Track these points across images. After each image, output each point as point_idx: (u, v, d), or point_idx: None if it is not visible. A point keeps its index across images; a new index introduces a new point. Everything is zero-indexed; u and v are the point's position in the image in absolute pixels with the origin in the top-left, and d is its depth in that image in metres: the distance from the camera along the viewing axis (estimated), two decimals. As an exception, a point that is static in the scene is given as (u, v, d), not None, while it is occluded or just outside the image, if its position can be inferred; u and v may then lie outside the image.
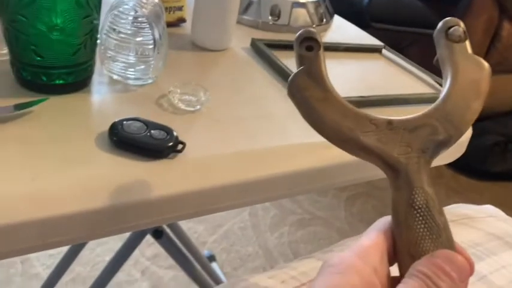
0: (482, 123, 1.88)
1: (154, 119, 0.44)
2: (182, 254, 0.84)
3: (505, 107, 2.00)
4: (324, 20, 0.78)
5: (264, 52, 0.63)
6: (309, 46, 0.30)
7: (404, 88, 0.64)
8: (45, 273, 1.22)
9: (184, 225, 1.42)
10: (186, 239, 0.97)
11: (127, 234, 0.91)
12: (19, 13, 0.42)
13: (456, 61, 0.31)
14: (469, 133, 0.60)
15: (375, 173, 0.54)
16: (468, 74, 0.31)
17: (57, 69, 0.45)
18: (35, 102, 0.43)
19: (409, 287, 0.24)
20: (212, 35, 0.63)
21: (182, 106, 0.49)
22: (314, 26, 0.76)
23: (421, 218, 0.27)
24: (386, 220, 0.28)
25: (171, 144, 0.42)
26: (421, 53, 1.91)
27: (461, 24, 0.32)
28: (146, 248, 1.35)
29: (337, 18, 0.84)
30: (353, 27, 0.85)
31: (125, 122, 0.42)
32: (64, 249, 1.20)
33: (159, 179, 0.40)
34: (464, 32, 0.32)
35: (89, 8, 0.44)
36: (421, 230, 0.26)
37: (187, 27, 0.67)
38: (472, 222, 0.52)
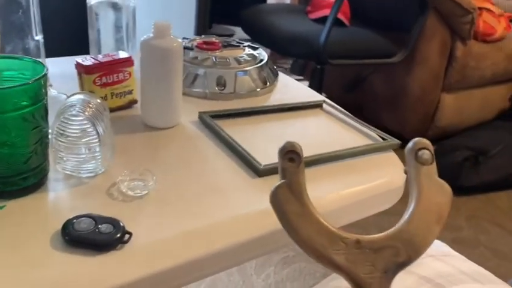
0: (450, 140, 1.94)
1: (105, 210, 0.49)
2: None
3: (470, 121, 2.07)
4: (268, 82, 0.84)
5: (209, 124, 0.69)
6: (291, 158, 0.34)
7: (343, 141, 0.70)
8: None
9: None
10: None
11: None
12: (-28, 134, 0.47)
13: (421, 183, 0.34)
14: (403, 178, 0.65)
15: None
16: (431, 198, 0.34)
17: (11, 177, 0.50)
18: (-7, 210, 0.48)
19: None
20: (160, 114, 0.69)
21: (131, 193, 0.54)
22: (258, 89, 0.82)
23: None
24: None
25: (118, 236, 0.46)
26: (384, 79, 1.99)
27: (430, 147, 0.34)
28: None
29: (281, 76, 0.91)
30: (296, 83, 0.91)
31: (75, 221, 0.47)
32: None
33: (110, 271, 0.45)
34: (432, 156, 0.34)
35: (36, 120, 0.49)
36: None
37: (138, 107, 0.73)
38: (409, 267, 0.56)
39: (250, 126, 0.72)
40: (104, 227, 0.47)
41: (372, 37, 1.78)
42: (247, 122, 0.73)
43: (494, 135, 1.99)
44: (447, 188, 0.35)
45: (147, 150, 0.65)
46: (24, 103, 0.48)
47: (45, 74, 0.49)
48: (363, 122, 0.75)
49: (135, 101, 0.74)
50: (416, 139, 0.35)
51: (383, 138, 0.71)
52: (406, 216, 0.34)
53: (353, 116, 0.77)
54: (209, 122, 0.69)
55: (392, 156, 0.69)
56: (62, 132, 0.53)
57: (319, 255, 0.32)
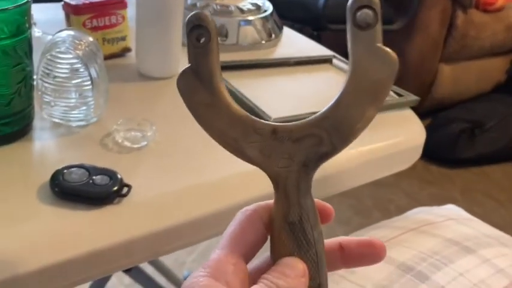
0: (446, 112, 1.91)
1: (99, 161, 0.43)
2: (154, 283, 0.83)
3: (467, 93, 2.04)
4: (273, 35, 0.78)
5: (212, 76, 0.62)
6: (200, 34, 0.27)
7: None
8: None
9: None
10: (160, 264, 0.96)
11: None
12: None
13: (358, 54, 0.27)
14: (422, 136, 0.61)
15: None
16: (368, 73, 0.27)
17: (-9, 121, 0.44)
18: (-30, 158, 0.42)
19: None
20: (157, 63, 0.62)
21: (127, 144, 0.48)
22: (263, 41, 0.76)
23: (292, 233, 0.27)
24: (239, 223, 0.28)
25: (115, 188, 0.41)
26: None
27: (375, 5, 0.26)
28: (124, 276, 1.33)
29: (286, 31, 0.84)
30: (303, 38, 0.85)
31: (65, 171, 0.41)
32: None
33: (105, 227, 0.39)
34: (376, 16, 0.26)
35: (18, 56, 0.43)
36: (291, 245, 0.27)
37: (132, 56, 0.66)
38: (432, 229, 0.52)
39: (255, 80, 0.66)
40: (99, 179, 0.41)
41: (372, 1, 1.71)
42: (252, 74, 0.67)
43: (490, 108, 1.96)
44: (391, 58, 0.26)
45: (144, 100, 0.58)
46: (4, 35, 0.41)
47: (28, 1, 0.42)
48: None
49: (128, 49, 0.67)
50: None
51: (399, 95, 0.66)
52: (336, 96, 0.27)
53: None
54: (211, 72, 0.63)
55: (409, 113, 0.64)
56: (48, 72, 0.46)
57: (233, 149, 0.28)
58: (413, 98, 0.65)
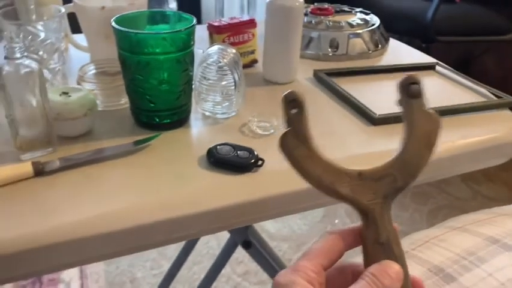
0: None
1: (239, 143, 0.57)
2: (270, 263, 0.95)
3: None
4: (380, 45, 0.87)
5: (324, 80, 0.74)
6: (294, 107, 0.36)
7: (458, 99, 0.71)
8: (151, 292, 1.38)
9: (270, 243, 1.54)
10: (272, 253, 1.08)
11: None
12: (137, 73, 0.57)
13: (413, 115, 0.37)
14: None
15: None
16: (421, 127, 0.37)
17: (165, 111, 0.60)
18: (151, 137, 0.58)
19: (361, 284, 0.32)
20: (280, 71, 0.76)
21: (259, 131, 0.61)
22: (370, 51, 0.85)
23: (383, 251, 0.35)
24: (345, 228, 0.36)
25: (253, 161, 0.54)
26: (496, 60, 1.89)
27: (419, 81, 0.37)
28: (237, 265, 1.48)
29: (392, 42, 0.93)
30: (408, 48, 0.93)
31: (218, 147, 0.55)
32: (165, 270, 1.36)
33: (246, 188, 0.52)
34: (421, 89, 0.37)
35: (186, 64, 0.58)
36: (383, 259, 0.35)
37: (259, 66, 0.80)
38: (476, 227, 0.53)
39: (363, 84, 0.76)
40: (242, 153, 0.54)
41: (484, 12, 1.70)
42: (360, 80, 0.77)
43: None
44: (435, 117, 0.36)
45: (270, 100, 0.72)
46: (178, 47, 0.57)
47: (194, 25, 0.58)
48: (479, 82, 0.75)
49: (255, 61, 0.81)
50: (407, 74, 0.37)
51: (498, 97, 0.71)
52: (400, 146, 0.37)
53: (468, 77, 0.77)
54: (324, 78, 0.75)
55: (507, 113, 0.69)
56: (204, 76, 0.61)
57: (328, 190, 0.36)
58: (511, 99, 0.70)
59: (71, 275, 1.46)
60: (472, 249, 0.49)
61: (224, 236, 1.02)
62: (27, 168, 0.50)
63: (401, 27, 1.70)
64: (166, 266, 1.44)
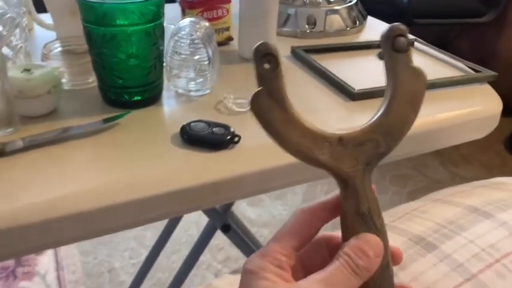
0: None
1: (214, 120, 0.54)
2: (250, 247, 0.93)
3: None
4: (357, 22, 0.85)
5: (302, 57, 0.72)
6: (269, 61, 0.31)
7: (438, 73, 0.70)
8: (129, 281, 1.36)
9: (250, 229, 1.52)
10: (252, 237, 1.06)
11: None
12: (103, 47, 0.54)
13: (397, 72, 0.33)
14: (499, 107, 0.65)
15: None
16: (407, 86, 0.33)
17: (134, 88, 0.57)
18: (120, 115, 0.55)
19: (335, 267, 0.31)
20: (257, 48, 0.73)
21: (236, 108, 0.58)
22: (348, 28, 0.84)
23: (363, 222, 0.32)
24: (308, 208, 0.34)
25: (229, 137, 0.51)
26: (470, 44, 1.91)
27: (406, 33, 0.33)
28: (217, 252, 1.46)
29: (370, 19, 0.91)
30: (385, 25, 0.91)
31: (191, 124, 0.52)
32: (143, 259, 1.34)
33: (222, 165, 0.50)
34: (408, 42, 0.33)
35: (155, 37, 0.55)
36: (363, 232, 0.32)
37: (234, 44, 0.78)
38: (456, 198, 0.53)
39: (341, 60, 0.74)
40: (217, 130, 0.52)
41: (459, -5, 1.70)
42: (338, 56, 0.76)
43: None
44: (422, 74, 0.33)
45: (245, 77, 0.69)
46: (147, 19, 0.54)
47: (163, -5, 0.55)
48: (457, 57, 0.74)
49: (230, 38, 0.78)
50: (392, 25, 0.33)
51: (476, 71, 0.71)
52: (383, 107, 0.33)
53: (446, 52, 0.76)
54: (302, 54, 0.72)
55: (487, 87, 0.68)
56: (175, 50, 0.58)
57: (306, 157, 0.33)
58: (490, 73, 0.69)
59: (46, 267, 1.41)
60: (452, 218, 0.48)
61: (204, 223, 1.00)
62: (-15, 148, 0.47)
63: (379, 10, 1.69)
64: (145, 254, 1.41)
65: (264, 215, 1.64)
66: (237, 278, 0.47)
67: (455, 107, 0.63)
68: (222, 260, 1.44)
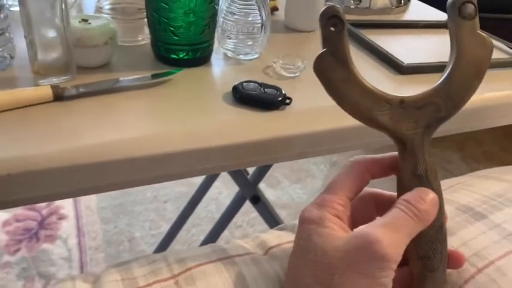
0: None
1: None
2: (276, 220, 0.94)
3: None
4: (402, 2, 0.85)
5: (350, 30, 0.72)
6: (335, 24, 0.32)
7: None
8: (149, 251, 1.38)
9: (270, 209, 1.54)
10: (275, 212, 1.07)
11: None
12: (162, 1, 0.54)
13: (463, 38, 0.33)
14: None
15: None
16: (472, 53, 0.33)
17: (188, 46, 0.57)
18: (171, 72, 0.55)
19: (396, 211, 0.31)
20: (303, 18, 0.73)
21: (284, 73, 0.59)
22: (393, 7, 0.83)
23: (420, 183, 0.33)
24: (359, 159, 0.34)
25: (281, 98, 0.52)
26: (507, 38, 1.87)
27: (474, 1, 0.33)
28: (235, 230, 1.47)
29: (414, 1, 0.90)
30: (430, 8, 0.90)
31: (244, 83, 0.53)
32: (164, 230, 1.35)
33: (273, 125, 0.50)
34: (476, 9, 0.33)
35: (212, -5, 0.56)
36: None
37: (280, 14, 0.78)
38: (502, 175, 0.52)
39: (388, 36, 0.74)
40: (269, 91, 0.52)
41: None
42: (385, 32, 0.75)
43: None
44: (488, 41, 0.33)
45: (293, 45, 0.69)
46: (205, -22, 0.54)
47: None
48: (502, 39, 0.73)
49: (276, 8, 0.79)
50: None
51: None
52: (446, 72, 0.33)
53: (490, 34, 0.75)
54: (349, 28, 0.72)
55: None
56: (230, 11, 0.59)
57: (365, 117, 0.33)
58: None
59: (68, 231, 1.44)
60: (500, 191, 0.47)
61: (223, 201, 1.01)
62: (46, 91, 0.48)
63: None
64: (165, 226, 1.43)
65: (283, 197, 1.65)
66: (283, 233, 0.48)
67: (504, 87, 0.62)
68: (240, 238, 1.45)
